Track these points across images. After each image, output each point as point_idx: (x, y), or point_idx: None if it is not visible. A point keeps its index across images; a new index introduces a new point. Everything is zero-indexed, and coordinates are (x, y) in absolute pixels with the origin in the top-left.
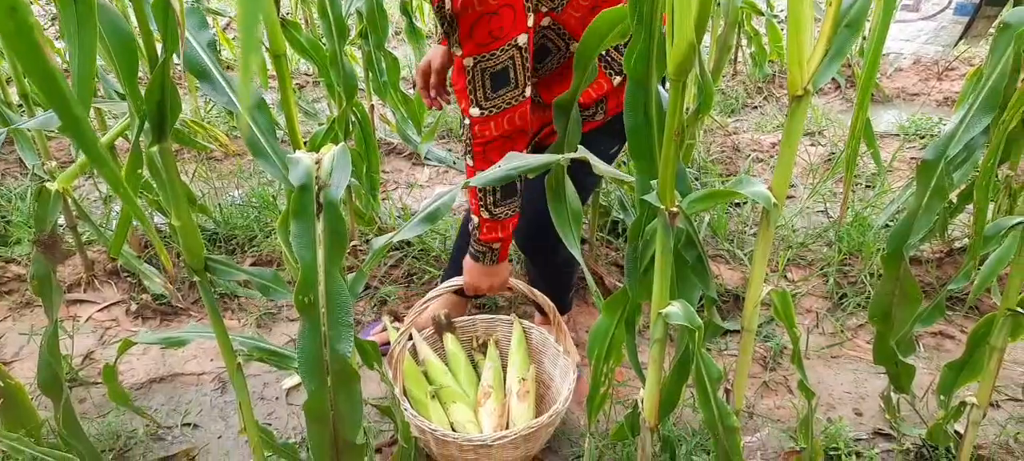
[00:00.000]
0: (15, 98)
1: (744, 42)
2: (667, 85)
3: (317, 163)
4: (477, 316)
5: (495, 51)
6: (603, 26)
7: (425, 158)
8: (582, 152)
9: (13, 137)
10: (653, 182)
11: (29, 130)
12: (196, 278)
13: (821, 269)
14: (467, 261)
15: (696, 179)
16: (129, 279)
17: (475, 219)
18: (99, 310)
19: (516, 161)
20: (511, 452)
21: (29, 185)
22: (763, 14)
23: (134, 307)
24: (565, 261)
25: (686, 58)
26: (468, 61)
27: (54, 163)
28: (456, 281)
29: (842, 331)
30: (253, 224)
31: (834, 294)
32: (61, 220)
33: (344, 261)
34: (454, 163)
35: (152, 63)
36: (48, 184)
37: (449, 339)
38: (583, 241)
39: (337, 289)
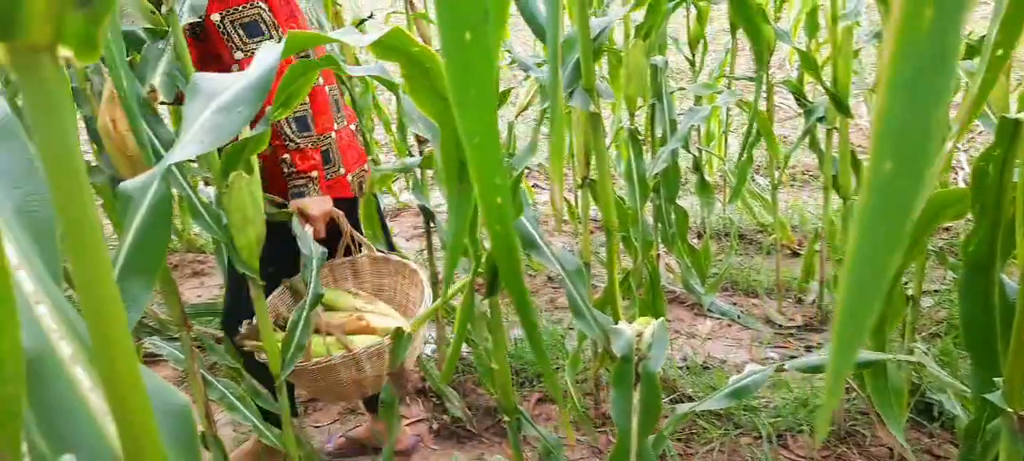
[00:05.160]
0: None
1: None
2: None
3: (638, 336)
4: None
5: (241, 6)
6: (933, 208)
7: (708, 310)
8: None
9: None
10: (996, 379)
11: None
12: (505, 418)
13: None
14: (300, 201)
15: None
16: (433, 399)
17: (287, 158)
18: (408, 424)
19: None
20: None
21: None
22: None
23: (435, 426)
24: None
25: None
26: (215, 17)
27: None
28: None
29: None
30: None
31: None
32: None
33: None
34: (738, 317)
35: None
36: (403, 328)
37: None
38: None
39: (647, 458)
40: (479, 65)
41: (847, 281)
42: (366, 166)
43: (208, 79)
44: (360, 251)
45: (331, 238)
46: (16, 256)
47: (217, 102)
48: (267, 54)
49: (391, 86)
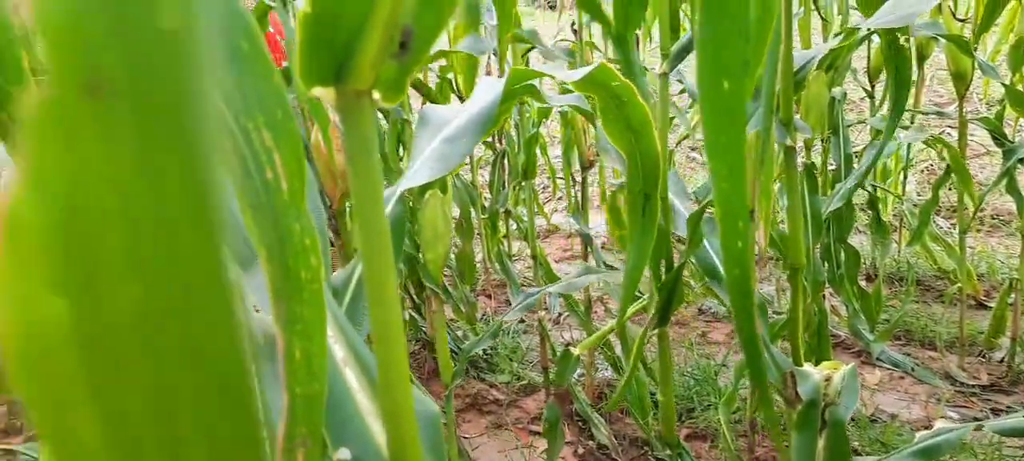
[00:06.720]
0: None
1: None
2: None
3: (826, 380)
4: None
5: None
6: None
7: (877, 359)
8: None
9: (512, 291)
10: None
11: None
12: (664, 452)
13: None
14: None
15: None
16: (579, 424)
17: None
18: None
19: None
20: None
21: (519, 325)
22: None
23: (580, 451)
24: None
25: None
26: None
27: (544, 313)
28: None
29: None
30: (693, 394)
31: None
32: (534, 357)
33: None
34: (912, 369)
35: (668, 264)
36: (571, 348)
37: None
38: None
39: None
40: (733, 112)
41: None
42: None
43: (436, 111)
44: None
45: None
46: None
47: (444, 133)
48: (488, 89)
49: (589, 116)
